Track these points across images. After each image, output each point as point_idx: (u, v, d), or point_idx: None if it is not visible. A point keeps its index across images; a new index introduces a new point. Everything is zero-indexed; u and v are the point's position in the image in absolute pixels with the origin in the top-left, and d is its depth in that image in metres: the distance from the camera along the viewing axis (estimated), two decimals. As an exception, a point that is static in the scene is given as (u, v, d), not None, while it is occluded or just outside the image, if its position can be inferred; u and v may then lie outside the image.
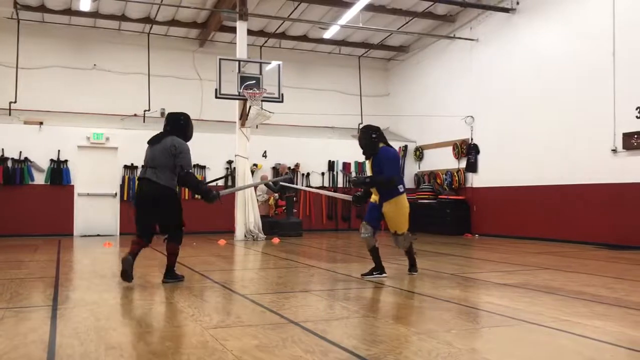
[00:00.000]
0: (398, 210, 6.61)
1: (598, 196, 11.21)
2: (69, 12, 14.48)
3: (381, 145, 6.56)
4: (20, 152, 13.69)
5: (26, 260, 8.46)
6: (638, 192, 10.46)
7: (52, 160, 13.91)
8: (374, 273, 6.68)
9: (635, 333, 3.86)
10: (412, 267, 7.00)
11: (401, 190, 6.55)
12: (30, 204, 13.52)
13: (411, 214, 6.82)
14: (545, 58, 12.59)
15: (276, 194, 14.48)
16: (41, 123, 13.93)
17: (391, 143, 6.84)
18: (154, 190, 5.98)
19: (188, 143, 6.35)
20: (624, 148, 10.70)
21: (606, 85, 11.02)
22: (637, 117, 10.46)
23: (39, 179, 13.81)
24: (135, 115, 15.49)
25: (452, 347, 3.46)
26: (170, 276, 6.24)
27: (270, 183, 14.64)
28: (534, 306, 4.80)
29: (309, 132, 16.61)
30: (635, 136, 10.45)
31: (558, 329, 3.93)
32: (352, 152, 16.63)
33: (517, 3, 13.44)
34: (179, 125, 6.36)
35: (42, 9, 14.28)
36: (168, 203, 6.04)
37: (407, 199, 6.76)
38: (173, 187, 6.12)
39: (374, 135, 6.56)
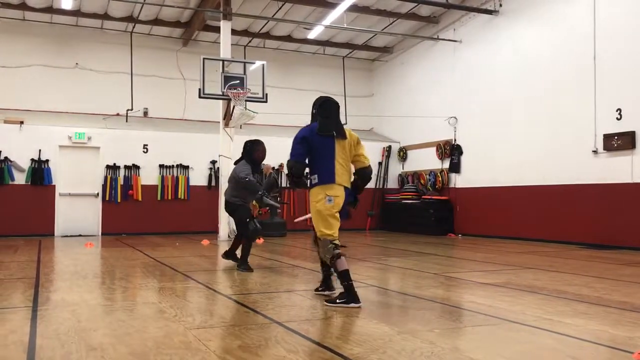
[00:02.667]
0: (310, 206, 5.07)
1: (580, 196, 11.33)
2: (51, 10, 14.32)
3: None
4: (0, 151, 13.49)
5: (6, 261, 8.35)
6: (618, 193, 10.60)
7: (33, 160, 13.73)
8: (338, 301, 4.84)
9: (616, 331, 3.91)
10: (324, 286, 5.34)
11: (314, 181, 4.99)
12: (10, 204, 13.34)
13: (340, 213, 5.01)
14: (527, 60, 12.70)
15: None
16: (22, 122, 13.75)
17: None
18: (225, 201, 7.91)
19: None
20: (604, 149, 10.83)
21: (587, 87, 11.15)
22: (617, 119, 10.60)
23: (20, 179, 13.62)
24: (117, 114, 15.36)
25: (435, 346, 3.47)
26: (242, 266, 7.28)
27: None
28: (516, 305, 4.83)
29: (293, 132, 16.21)
30: (616, 137, 10.59)
31: (540, 328, 3.96)
32: (336, 152, 16.66)
33: (500, 5, 13.54)
34: (245, 151, 7.53)
35: (23, 6, 14.10)
36: (231, 210, 7.71)
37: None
38: (235, 199, 7.53)
39: (314, 110, 5.28)
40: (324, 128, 5.02)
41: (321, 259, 5.23)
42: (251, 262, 8.12)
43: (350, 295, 4.75)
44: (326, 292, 5.33)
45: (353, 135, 5.21)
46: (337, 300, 4.80)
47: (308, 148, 5.02)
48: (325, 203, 4.88)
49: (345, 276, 4.76)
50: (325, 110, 5.14)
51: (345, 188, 5.05)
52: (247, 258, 7.36)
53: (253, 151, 7.42)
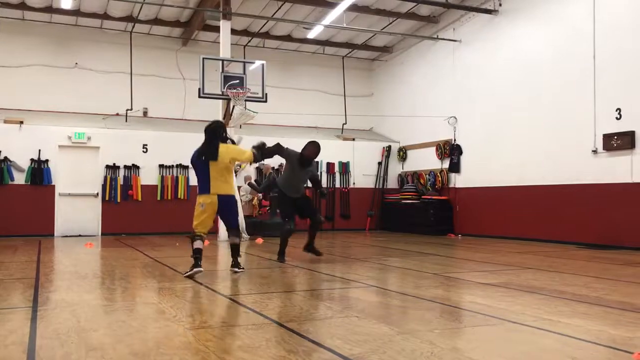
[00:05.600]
0: None
1: (579, 196, 11.33)
2: (50, 9, 14.32)
3: None
4: (0, 151, 13.49)
5: (6, 261, 8.34)
6: (618, 193, 10.60)
7: (32, 159, 13.74)
8: (187, 272, 6.56)
9: (616, 331, 3.91)
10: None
11: (198, 191, 6.86)
12: (10, 204, 13.34)
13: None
14: (527, 59, 12.70)
15: (260, 194, 14.46)
16: (21, 122, 13.75)
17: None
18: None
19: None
20: (604, 149, 10.83)
21: (587, 87, 11.15)
22: (616, 118, 10.60)
23: (19, 178, 13.63)
24: (117, 114, 15.37)
25: (435, 346, 3.47)
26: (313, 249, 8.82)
27: (254, 183, 14.64)
28: (516, 305, 4.83)
29: (293, 132, 16.57)
30: (615, 137, 10.59)
31: (540, 328, 3.96)
32: (336, 152, 16.69)
33: (500, 5, 13.54)
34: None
35: (23, 6, 14.10)
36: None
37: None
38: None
39: None
40: (197, 155, 6.77)
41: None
42: (250, 262, 8.15)
43: (195, 265, 6.46)
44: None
45: (227, 156, 6.66)
46: (187, 271, 6.48)
47: (195, 167, 6.84)
48: (199, 207, 6.67)
49: (195, 252, 6.53)
50: (205, 138, 6.77)
51: (225, 195, 6.70)
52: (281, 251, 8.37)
53: (303, 149, 8.37)
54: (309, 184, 9.34)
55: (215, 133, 6.76)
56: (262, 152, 7.05)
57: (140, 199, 14.52)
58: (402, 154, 17.06)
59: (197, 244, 6.62)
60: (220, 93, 12.55)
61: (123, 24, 15.47)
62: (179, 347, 3.46)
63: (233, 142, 7.02)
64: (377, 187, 17.03)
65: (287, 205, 8.38)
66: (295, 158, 8.29)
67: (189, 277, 6.39)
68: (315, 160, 8.98)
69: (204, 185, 6.66)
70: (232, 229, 7.00)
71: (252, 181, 14.78)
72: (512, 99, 13.02)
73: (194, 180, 15.14)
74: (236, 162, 7.12)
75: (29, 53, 14.98)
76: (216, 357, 3.24)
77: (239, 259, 6.97)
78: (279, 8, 14.43)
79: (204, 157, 6.65)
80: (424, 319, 4.40)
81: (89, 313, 4.58)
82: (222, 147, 6.68)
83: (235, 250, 6.96)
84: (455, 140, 14.90)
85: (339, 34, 16.64)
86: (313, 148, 8.30)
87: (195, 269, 6.47)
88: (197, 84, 12.66)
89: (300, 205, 8.43)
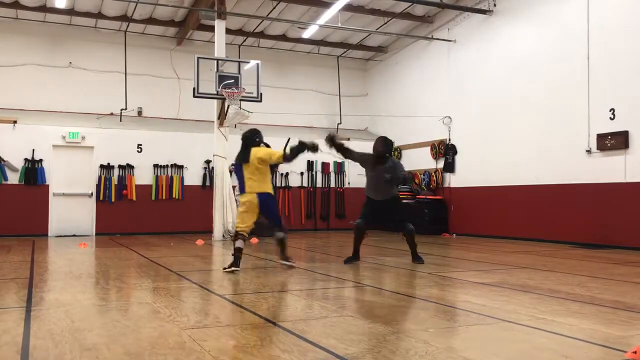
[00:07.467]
0: None
1: (573, 196, 11.37)
2: (44, 8, 14.25)
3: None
4: (-6, 151, 13.45)
5: (-1, 261, 8.31)
6: (612, 192, 10.65)
7: (26, 159, 13.68)
8: (226, 267, 7.12)
9: (608, 330, 3.93)
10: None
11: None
12: (3, 204, 13.28)
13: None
14: (522, 59, 12.73)
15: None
16: (15, 122, 13.69)
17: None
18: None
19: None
20: (598, 149, 10.87)
21: (581, 87, 11.19)
22: (610, 118, 10.64)
23: (13, 178, 13.57)
24: (111, 114, 15.32)
25: (430, 345, 3.48)
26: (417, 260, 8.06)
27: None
28: (510, 305, 4.85)
29: (288, 132, 16.39)
30: (609, 137, 10.63)
31: (534, 327, 3.97)
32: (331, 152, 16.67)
33: (495, 5, 13.57)
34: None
35: (16, 5, 14.02)
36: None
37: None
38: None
39: None
40: (235, 160, 7.51)
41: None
42: (245, 261, 8.12)
43: (234, 262, 6.99)
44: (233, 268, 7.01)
45: (256, 156, 7.18)
46: (226, 266, 7.04)
47: (235, 171, 7.55)
48: (240, 206, 7.34)
49: (236, 250, 7.06)
50: (241, 145, 7.39)
51: (262, 193, 7.17)
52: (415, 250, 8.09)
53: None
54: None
55: (249, 139, 7.37)
56: (292, 152, 7.22)
57: (134, 198, 14.49)
58: (397, 154, 17.06)
59: (238, 243, 7.12)
60: (215, 93, 12.54)
61: (117, 23, 15.42)
62: (174, 347, 3.46)
63: (267, 145, 7.83)
64: (372, 186, 17.01)
65: (366, 205, 8.29)
66: (366, 158, 8.24)
67: (226, 272, 6.92)
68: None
69: (241, 186, 7.33)
70: (275, 225, 7.48)
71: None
72: (507, 99, 13.05)
73: (188, 180, 15.33)
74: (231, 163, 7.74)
75: (22, 52, 14.91)
76: (211, 357, 3.24)
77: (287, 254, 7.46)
78: (274, 8, 14.41)
79: (239, 161, 7.34)
80: (418, 318, 4.41)
81: (83, 313, 4.57)
82: (254, 151, 7.23)
83: (280, 244, 7.42)
84: (449, 140, 14.92)
85: (334, 33, 16.64)
86: (377, 142, 8.08)
87: (232, 267, 6.97)
88: (191, 83, 12.64)
89: (385, 209, 7.92)
